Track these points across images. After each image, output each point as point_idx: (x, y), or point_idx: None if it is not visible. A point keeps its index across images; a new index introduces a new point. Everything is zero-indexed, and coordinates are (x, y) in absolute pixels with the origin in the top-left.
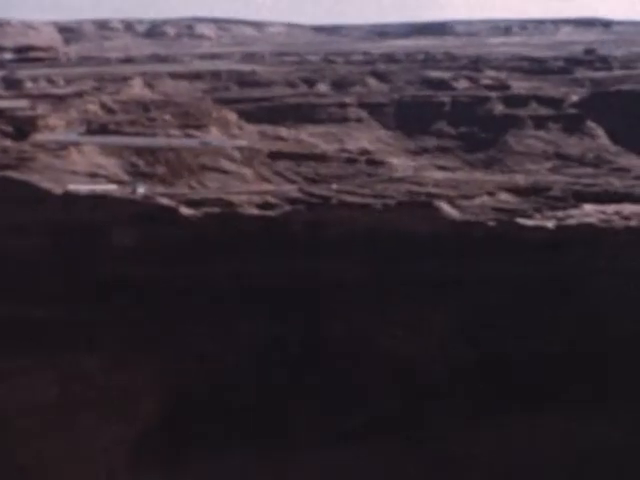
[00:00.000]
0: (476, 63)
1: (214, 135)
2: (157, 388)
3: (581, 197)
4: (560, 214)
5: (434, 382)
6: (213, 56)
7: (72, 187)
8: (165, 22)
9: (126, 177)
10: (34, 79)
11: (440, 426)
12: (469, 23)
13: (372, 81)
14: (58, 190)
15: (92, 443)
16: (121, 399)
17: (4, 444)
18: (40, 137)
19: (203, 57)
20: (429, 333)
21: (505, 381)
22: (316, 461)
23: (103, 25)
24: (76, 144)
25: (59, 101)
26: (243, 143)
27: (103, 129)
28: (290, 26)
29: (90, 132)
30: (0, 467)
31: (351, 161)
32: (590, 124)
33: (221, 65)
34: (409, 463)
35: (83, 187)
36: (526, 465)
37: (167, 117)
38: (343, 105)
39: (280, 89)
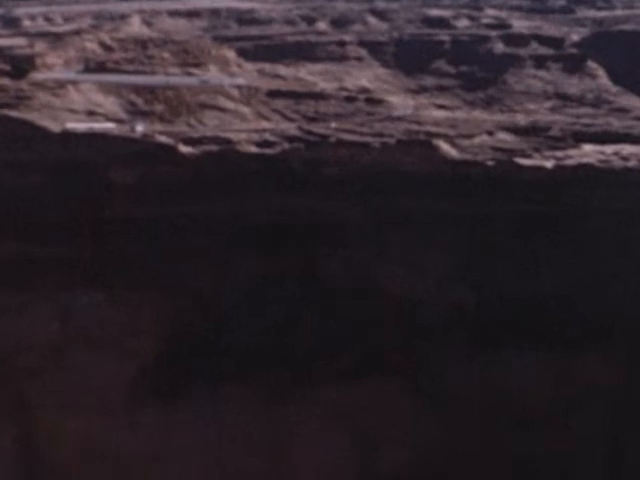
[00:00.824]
0: (477, 2)
1: (213, 73)
2: (156, 325)
3: (580, 137)
4: (559, 154)
5: (432, 321)
6: None
7: (70, 125)
8: None
9: (125, 115)
10: (32, 17)
11: (437, 364)
12: None
13: (372, 19)
14: (56, 128)
15: (91, 379)
16: (120, 336)
17: (3, 380)
18: (38, 76)
19: None
20: (427, 272)
21: (501, 320)
22: (314, 398)
23: None
24: (74, 82)
25: (57, 39)
26: (242, 81)
27: (101, 67)
28: None
29: (88, 70)
30: (1, 398)
31: (350, 99)
32: (591, 64)
33: (220, 3)
34: (406, 401)
35: (81, 125)
36: (522, 403)
37: (166, 55)
38: (342, 43)
39: (279, 27)
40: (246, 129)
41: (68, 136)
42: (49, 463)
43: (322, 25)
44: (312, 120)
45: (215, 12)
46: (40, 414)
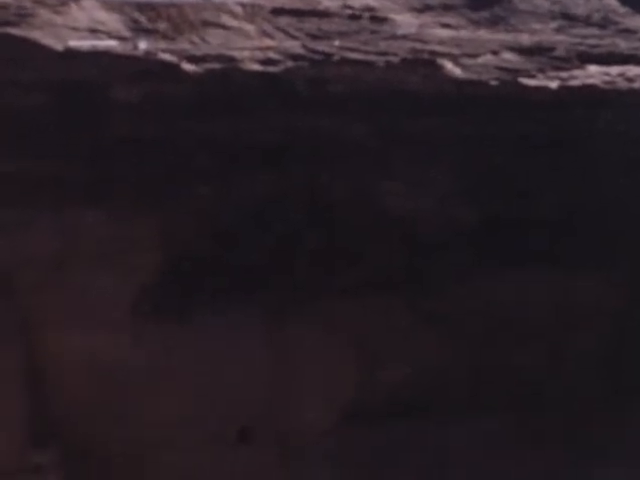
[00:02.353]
0: None
1: None
2: (159, 243)
3: (585, 58)
4: (563, 75)
5: (433, 240)
6: None
7: (73, 43)
8: None
9: (127, 33)
10: None
11: (437, 282)
12: None
13: None
14: (59, 46)
15: (93, 296)
16: (122, 254)
17: (6, 297)
18: None
19: None
20: (430, 190)
21: (503, 239)
22: (316, 314)
23: None
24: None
25: None
26: None
27: None
28: None
29: None
30: (4, 316)
31: (354, 17)
32: None
33: None
34: (406, 317)
35: (84, 43)
36: (522, 321)
37: None
38: None
39: None
40: (250, 47)
41: (71, 54)
42: (52, 379)
43: None
44: (316, 38)
45: None
46: (43, 331)
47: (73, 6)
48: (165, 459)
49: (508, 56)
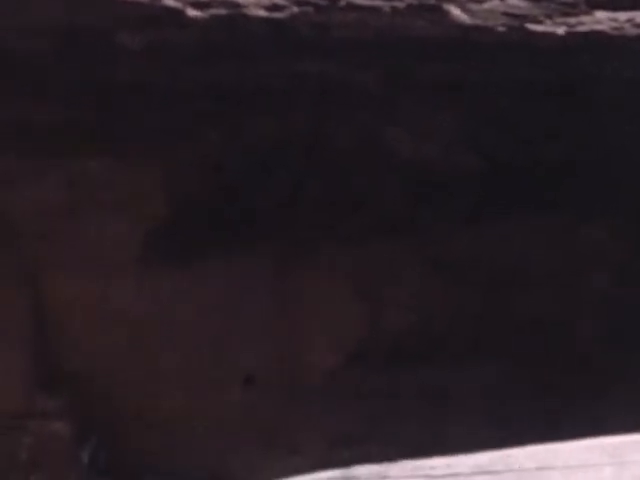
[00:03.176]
0: None
1: None
2: (163, 190)
3: (593, 3)
4: (571, 20)
5: (438, 187)
6: None
7: None
8: None
9: None
10: None
11: (443, 229)
12: None
13: None
14: None
15: (101, 244)
16: (128, 202)
17: (15, 246)
18: None
19: None
20: (436, 138)
21: (508, 187)
22: (323, 261)
23: None
24: None
25: None
26: None
27: None
28: None
29: None
30: (4, 270)
31: None
32: None
33: None
34: (411, 264)
35: None
36: (526, 268)
37: None
38: None
39: None
40: None
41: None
42: (59, 324)
43: None
44: None
45: None
46: (50, 278)
47: None
48: (170, 404)
49: (515, 2)
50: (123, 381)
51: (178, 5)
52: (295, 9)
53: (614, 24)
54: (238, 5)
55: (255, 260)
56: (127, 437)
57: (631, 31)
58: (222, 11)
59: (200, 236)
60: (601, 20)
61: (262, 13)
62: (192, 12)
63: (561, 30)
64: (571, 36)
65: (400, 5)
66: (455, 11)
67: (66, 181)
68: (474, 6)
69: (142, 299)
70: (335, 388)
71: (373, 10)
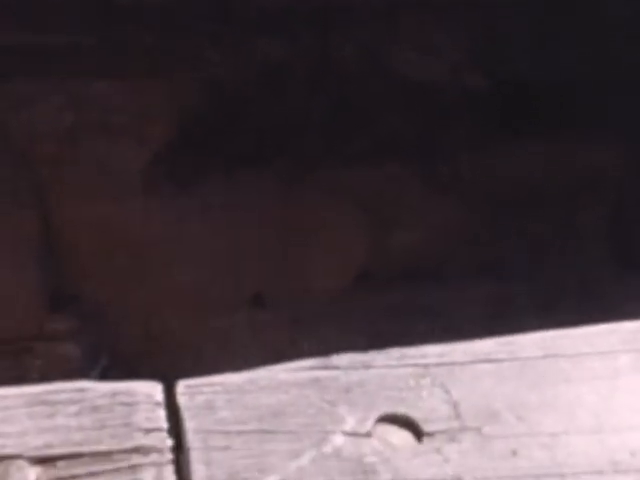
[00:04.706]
0: None
1: None
2: (171, 111)
3: None
4: None
5: (445, 108)
6: None
7: None
8: None
9: None
10: None
11: (449, 150)
12: None
13: None
14: None
15: (106, 166)
16: (134, 123)
17: (23, 170)
18: None
19: None
20: (442, 58)
21: (515, 107)
22: (328, 181)
23: None
24: None
25: None
26: None
27: None
28: None
29: None
30: (10, 194)
31: None
32: None
33: None
34: (417, 184)
35: None
36: (531, 188)
37: None
38: None
39: None
40: None
41: None
42: (68, 247)
43: None
44: None
45: None
46: (58, 201)
47: None
48: (178, 325)
49: None
50: (130, 303)
51: None
52: None
53: None
54: None
55: (261, 181)
56: (136, 358)
57: None
58: None
59: (204, 157)
60: None
61: None
62: None
63: None
64: None
65: None
66: None
67: (69, 104)
68: None
69: (148, 221)
70: (339, 308)
71: None
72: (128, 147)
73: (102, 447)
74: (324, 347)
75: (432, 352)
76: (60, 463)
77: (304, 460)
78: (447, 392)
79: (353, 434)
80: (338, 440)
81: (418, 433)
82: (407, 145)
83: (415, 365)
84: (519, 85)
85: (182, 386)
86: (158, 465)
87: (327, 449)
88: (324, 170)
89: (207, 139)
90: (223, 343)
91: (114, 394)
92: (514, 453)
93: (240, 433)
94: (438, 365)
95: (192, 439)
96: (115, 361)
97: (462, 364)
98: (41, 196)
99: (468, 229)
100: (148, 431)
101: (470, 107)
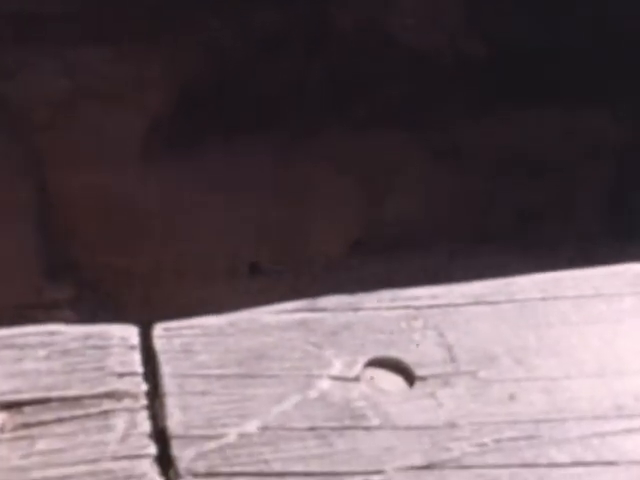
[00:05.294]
0: None
1: None
2: (169, 79)
3: None
4: None
5: (444, 76)
6: None
7: None
8: None
9: None
10: None
11: (448, 118)
12: None
13: None
14: None
15: (103, 133)
16: (132, 91)
17: (18, 138)
18: None
19: None
20: (440, 25)
21: (515, 74)
22: (326, 149)
23: None
24: None
25: None
26: None
27: None
28: None
29: None
30: (6, 161)
31: None
32: None
33: None
34: (415, 151)
35: None
36: (531, 156)
37: None
38: None
39: None
40: None
41: None
42: (65, 215)
43: None
44: None
45: None
46: (55, 169)
47: None
48: (178, 292)
49: None
50: (129, 270)
51: None
52: None
53: None
54: None
55: (260, 149)
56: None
57: None
58: None
59: (202, 125)
60: None
61: None
62: None
63: None
64: None
65: None
66: None
67: (69, 72)
68: None
69: (146, 188)
70: (339, 275)
71: None
72: (126, 114)
73: (72, 392)
74: None
75: (425, 294)
76: (27, 409)
77: (287, 405)
78: (441, 335)
79: (340, 378)
80: (324, 385)
81: (410, 377)
82: (406, 113)
83: (407, 307)
84: (519, 52)
85: (159, 329)
86: (131, 411)
87: (312, 394)
88: (321, 139)
89: (206, 106)
90: (221, 310)
91: (86, 337)
92: (512, 398)
93: (220, 377)
94: (432, 307)
95: (168, 383)
96: None
97: (457, 306)
98: (38, 164)
99: (466, 197)
100: (121, 375)
101: (469, 74)
